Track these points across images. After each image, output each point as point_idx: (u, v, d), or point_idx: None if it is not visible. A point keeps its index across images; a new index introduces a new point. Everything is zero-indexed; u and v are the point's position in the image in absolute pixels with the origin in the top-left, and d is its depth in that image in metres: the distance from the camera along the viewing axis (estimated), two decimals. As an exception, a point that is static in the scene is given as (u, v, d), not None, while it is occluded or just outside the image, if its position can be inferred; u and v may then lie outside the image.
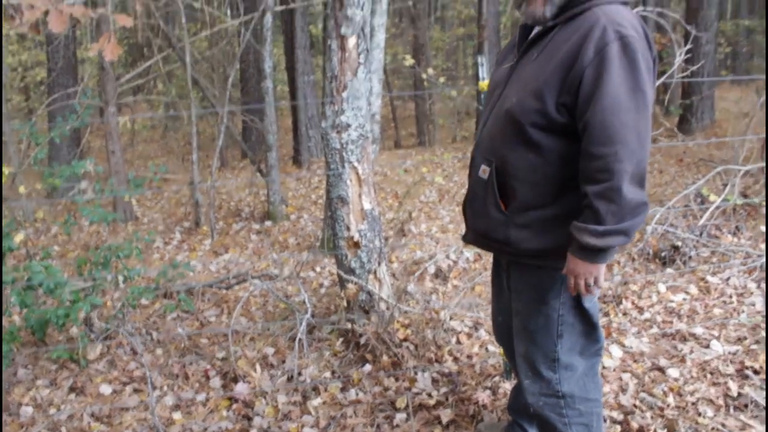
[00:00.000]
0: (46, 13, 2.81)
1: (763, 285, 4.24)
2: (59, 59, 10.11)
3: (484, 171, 2.11)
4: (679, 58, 4.22)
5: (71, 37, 10.37)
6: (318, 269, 5.38)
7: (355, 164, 3.44)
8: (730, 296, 4.14)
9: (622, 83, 1.81)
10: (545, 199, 1.99)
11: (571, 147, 1.92)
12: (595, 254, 1.89)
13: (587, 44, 1.85)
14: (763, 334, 3.55)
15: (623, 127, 1.80)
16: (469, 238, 2.28)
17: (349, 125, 3.39)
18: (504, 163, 2.04)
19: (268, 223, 7.40)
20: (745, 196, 6.04)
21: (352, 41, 3.32)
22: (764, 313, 3.80)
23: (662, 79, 4.19)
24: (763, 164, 5.87)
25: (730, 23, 23.26)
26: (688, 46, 4.76)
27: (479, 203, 2.14)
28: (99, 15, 2.99)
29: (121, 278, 4.13)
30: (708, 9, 10.73)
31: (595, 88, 1.82)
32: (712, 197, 5.30)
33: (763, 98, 6.94)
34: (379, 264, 3.64)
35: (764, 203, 5.63)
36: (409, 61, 8.24)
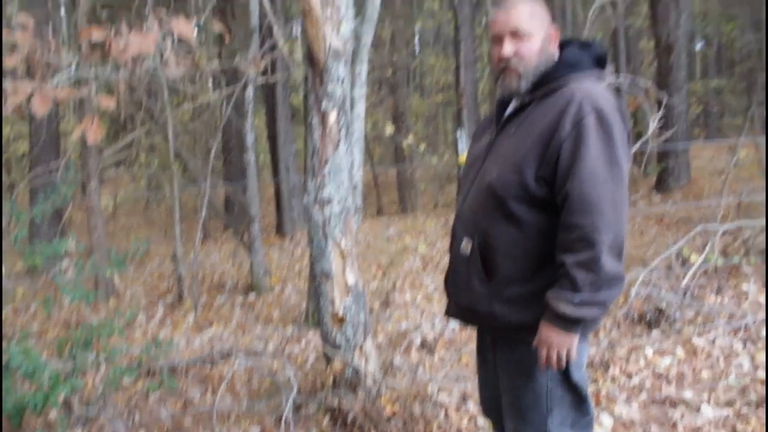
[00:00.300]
0: (30, 95, 2.84)
1: (750, 345, 4.24)
2: (42, 134, 10.13)
3: (466, 245, 2.11)
4: (653, 125, 4.33)
5: (54, 112, 10.42)
6: (303, 343, 5.31)
7: (339, 238, 3.44)
8: (717, 358, 4.14)
9: (599, 156, 1.85)
10: (526, 273, 1.99)
11: (550, 221, 1.94)
12: (570, 324, 1.88)
13: (564, 118, 1.89)
14: (753, 396, 3.53)
15: (600, 199, 1.82)
16: (453, 312, 2.26)
17: (331, 199, 3.41)
18: (486, 237, 2.05)
19: (252, 295, 7.33)
20: (725, 254, 6.10)
21: (332, 116, 3.38)
22: (753, 375, 3.80)
23: (638, 144, 4.28)
24: (741, 223, 5.96)
25: (700, 83, 23.95)
26: (662, 112, 4.89)
27: (462, 277, 2.13)
28: (82, 97, 3.03)
29: (102, 358, 4.05)
30: (678, 71, 11.07)
31: (573, 161, 1.86)
32: (693, 257, 5.34)
33: (737, 157, 7.10)
34: (365, 338, 3.60)
35: (744, 262, 5.67)
36: (390, 129, 8.37)
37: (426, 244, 9.06)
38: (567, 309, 1.85)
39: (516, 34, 2.04)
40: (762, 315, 4.53)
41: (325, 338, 3.62)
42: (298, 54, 10.08)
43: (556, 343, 1.91)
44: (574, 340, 1.91)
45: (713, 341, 4.36)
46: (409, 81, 18.53)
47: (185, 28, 2.48)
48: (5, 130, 15.27)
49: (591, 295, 1.83)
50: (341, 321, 3.54)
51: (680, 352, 4.25)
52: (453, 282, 2.21)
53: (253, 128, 7.19)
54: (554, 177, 1.91)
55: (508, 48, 2.05)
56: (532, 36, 2.03)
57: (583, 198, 1.83)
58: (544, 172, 1.92)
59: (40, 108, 2.52)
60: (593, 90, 1.94)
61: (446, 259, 2.26)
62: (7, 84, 2.81)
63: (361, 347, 3.60)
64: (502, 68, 2.09)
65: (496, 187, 2.00)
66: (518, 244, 1.99)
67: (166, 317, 6.97)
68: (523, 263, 1.99)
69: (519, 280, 2.00)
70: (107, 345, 4.08)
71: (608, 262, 1.82)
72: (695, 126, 24.09)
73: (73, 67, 2.83)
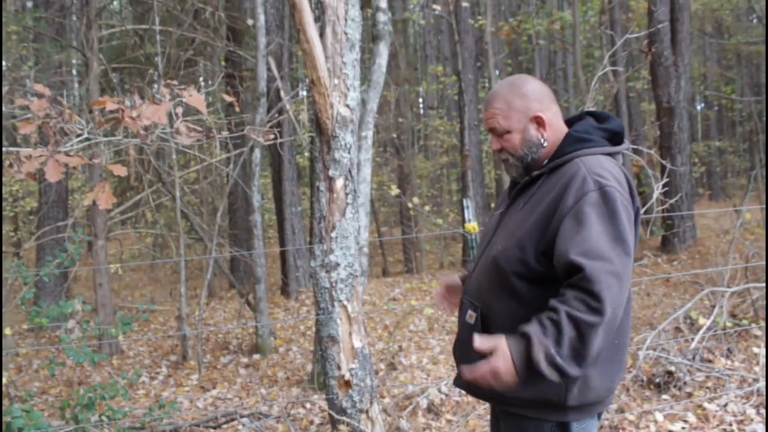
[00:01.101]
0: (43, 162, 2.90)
1: (763, 411, 4.17)
2: (51, 192, 10.25)
3: (470, 316, 2.10)
4: (657, 191, 4.37)
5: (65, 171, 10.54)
6: (308, 406, 5.25)
7: (345, 303, 3.44)
8: (730, 424, 4.07)
9: (603, 230, 1.82)
10: None
11: (550, 297, 1.87)
12: (529, 372, 1.79)
13: (567, 194, 1.89)
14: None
15: (608, 272, 1.77)
16: (459, 383, 2.23)
17: (338, 264, 3.42)
18: (489, 309, 2.04)
19: (256, 356, 7.28)
20: (733, 316, 6.06)
21: (339, 183, 3.42)
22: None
23: (643, 209, 4.31)
24: (749, 285, 5.93)
25: (702, 144, 24.20)
26: (665, 179, 4.94)
27: (467, 349, 2.09)
28: (93, 163, 3.08)
29: (105, 419, 4.01)
30: (680, 133, 11.21)
31: (576, 233, 1.82)
32: (701, 320, 5.30)
33: (741, 219, 7.12)
34: (371, 403, 3.57)
35: (754, 325, 5.63)
36: (395, 190, 8.45)
37: (431, 306, 9.02)
38: (540, 359, 1.75)
39: (495, 132, 2.10)
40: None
41: (331, 402, 3.58)
42: (304, 116, 10.26)
43: (501, 375, 1.80)
44: (514, 378, 1.80)
45: (725, 406, 4.29)
46: (414, 142, 18.77)
47: (197, 99, 2.54)
48: (14, 188, 15.43)
49: (567, 363, 1.75)
50: (347, 385, 3.51)
51: (691, 417, 4.18)
52: (459, 352, 2.20)
53: (259, 189, 7.27)
54: (554, 252, 1.87)
55: (494, 144, 2.13)
56: (511, 131, 2.07)
57: (591, 268, 1.76)
58: (544, 248, 1.91)
59: (52, 175, 2.57)
60: (599, 165, 1.93)
61: (452, 320, 2.26)
62: (18, 150, 2.87)
63: (367, 412, 3.56)
64: (501, 159, 2.16)
65: (500, 260, 2.00)
66: (516, 318, 1.94)
67: (170, 377, 6.91)
68: None
69: None
70: (110, 406, 4.05)
71: (598, 338, 1.75)
72: (699, 186, 24.25)
73: (86, 133, 2.90)
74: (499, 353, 1.82)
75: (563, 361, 1.75)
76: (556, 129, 2.09)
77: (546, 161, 2.07)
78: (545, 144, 2.07)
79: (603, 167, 1.93)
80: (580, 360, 1.76)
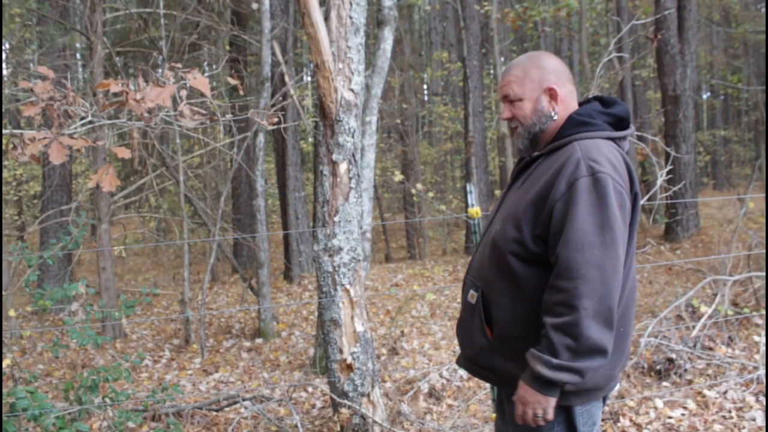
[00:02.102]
0: (47, 144, 2.90)
1: (763, 399, 4.19)
2: (55, 176, 10.27)
3: (472, 296, 2.12)
4: (660, 179, 4.36)
5: (69, 153, 10.56)
6: (310, 389, 5.28)
7: (348, 287, 3.46)
8: (729, 411, 4.08)
9: (588, 218, 1.83)
10: (526, 329, 1.96)
11: (547, 279, 1.91)
12: (546, 386, 1.85)
13: (560, 178, 1.90)
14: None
15: (586, 264, 1.80)
16: (461, 363, 2.26)
17: (341, 248, 3.44)
18: (489, 290, 2.05)
19: (259, 340, 7.31)
20: (735, 304, 6.07)
21: (343, 167, 3.43)
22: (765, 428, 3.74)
23: (646, 198, 4.31)
24: (751, 274, 5.94)
25: (707, 133, 24.11)
26: (669, 167, 4.93)
27: (467, 328, 2.14)
28: (97, 145, 3.09)
29: (108, 401, 4.05)
30: (685, 121, 11.16)
31: (563, 223, 1.85)
32: (702, 308, 5.31)
33: (745, 209, 7.11)
34: (373, 387, 3.59)
35: (755, 313, 5.64)
36: (399, 176, 8.44)
37: (433, 292, 9.05)
38: (543, 370, 1.82)
39: (508, 98, 2.12)
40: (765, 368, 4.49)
41: (333, 386, 3.60)
42: (308, 101, 10.25)
43: (531, 403, 1.89)
44: (550, 401, 1.87)
45: (725, 394, 4.31)
46: (418, 128, 18.74)
47: (201, 82, 2.54)
48: (18, 172, 15.44)
49: (569, 361, 1.80)
50: (349, 368, 3.53)
51: (691, 404, 4.20)
52: (460, 332, 2.22)
53: (263, 174, 7.27)
54: (548, 236, 1.91)
55: (505, 112, 2.15)
56: (523, 99, 2.08)
57: (568, 262, 1.82)
58: (540, 231, 1.92)
59: (56, 157, 2.58)
60: (596, 149, 1.93)
61: (455, 305, 2.27)
62: (22, 132, 2.88)
63: (368, 395, 3.58)
64: (511, 128, 2.18)
65: (498, 241, 2.02)
66: (515, 299, 1.98)
67: (173, 360, 6.95)
68: (519, 319, 1.98)
69: (516, 336, 1.99)
70: (113, 388, 4.08)
71: (589, 329, 1.79)
72: (704, 175, 24.19)
73: (89, 116, 2.90)
74: (520, 391, 1.92)
75: (565, 362, 1.81)
76: (568, 106, 2.10)
77: (548, 142, 2.08)
78: (555, 117, 2.08)
79: (600, 152, 1.92)
80: (581, 354, 1.81)
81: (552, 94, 2.07)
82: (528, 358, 1.87)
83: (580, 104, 2.16)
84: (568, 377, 1.81)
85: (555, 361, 1.81)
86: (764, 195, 10.05)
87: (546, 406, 1.87)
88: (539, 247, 1.94)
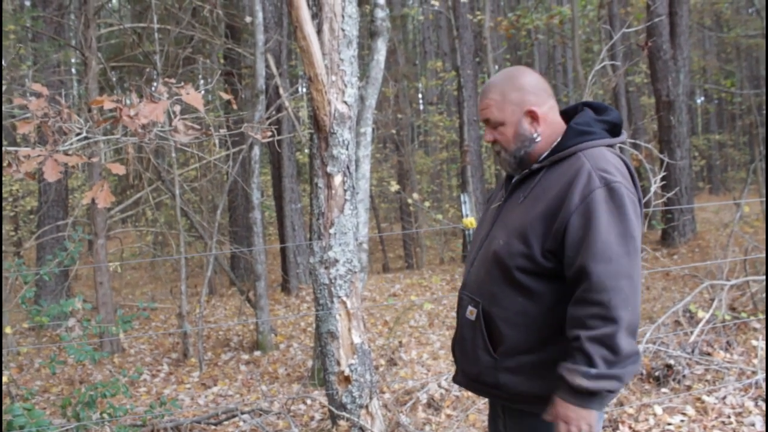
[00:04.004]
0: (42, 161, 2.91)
1: (761, 403, 4.19)
2: (51, 192, 10.26)
3: (471, 312, 2.08)
4: (655, 184, 4.37)
5: (63, 169, 10.55)
6: (309, 402, 5.27)
7: (344, 299, 3.46)
8: (729, 416, 4.08)
9: (611, 230, 1.81)
10: (535, 343, 1.94)
11: (558, 292, 1.90)
12: (588, 398, 1.80)
13: (573, 191, 1.86)
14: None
15: (617, 275, 1.78)
16: (460, 381, 2.21)
17: (337, 261, 3.44)
18: (492, 305, 2.02)
19: (257, 353, 7.30)
20: (733, 309, 6.07)
21: (338, 179, 3.43)
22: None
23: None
24: (748, 278, 5.95)
25: (702, 138, 24.19)
26: (663, 172, 4.94)
27: (468, 346, 2.10)
28: (92, 162, 3.10)
29: (106, 417, 4.03)
30: (679, 126, 11.21)
31: (584, 236, 1.82)
32: (700, 314, 5.32)
33: (740, 212, 7.13)
34: (371, 398, 3.58)
35: (752, 318, 5.65)
36: (395, 186, 8.45)
37: (431, 302, 9.04)
38: (584, 382, 1.78)
39: (489, 123, 2.09)
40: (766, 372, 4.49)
41: (331, 398, 3.60)
42: (304, 113, 10.28)
43: (575, 419, 1.83)
44: (593, 415, 1.83)
45: (724, 399, 4.30)
46: (413, 138, 18.77)
47: (194, 97, 2.55)
48: (14, 187, 15.42)
49: (608, 369, 1.77)
50: (347, 380, 3.52)
51: (690, 410, 4.19)
52: (459, 349, 2.18)
53: (259, 187, 7.28)
54: (562, 250, 1.87)
55: (487, 135, 2.12)
56: (504, 124, 2.06)
57: (597, 275, 1.79)
58: (551, 245, 1.89)
59: (51, 175, 2.58)
60: (603, 158, 1.91)
61: (452, 315, 2.25)
62: (17, 150, 2.88)
63: (367, 407, 3.57)
64: (495, 151, 2.14)
65: (503, 255, 1.98)
66: (525, 313, 1.95)
67: (171, 374, 6.93)
68: (529, 333, 1.95)
69: (525, 350, 1.96)
70: (111, 404, 4.07)
71: (624, 341, 1.77)
72: (699, 179, 24.27)
73: (84, 132, 2.91)
74: (559, 409, 1.86)
75: (604, 371, 1.78)
76: (552, 123, 2.06)
77: (545, 154, 2.04)
78: (538, 139, 2.04)
79: (607, 161, 1.91)
80: (617, 363, 1.78)
81: (533, 116, 2.04)
82: (563, 374, 1.82)
83: (570, 111, 2.14)
84: (610, 384, 1.78)
85: (594, 371, 1.77)
86: (759, 199, 10.08)
87: (590, 420, 1.83)
88: (549, 261, 1.91)
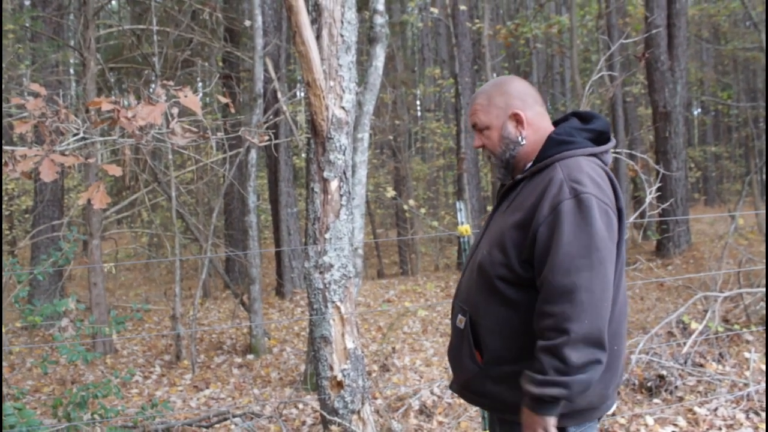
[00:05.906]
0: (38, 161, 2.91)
1: (753, 416, 4.20)
2: (46, 191, 10.24)
3: (460, 321, 2.09)
4: (650, 196, 4.39)
5: (60, 170, 10.53)
6: (301, 406, 5.26)
7: (338, 304, 3.46)
8: (720, 428, 4.09)
9: (573, 241, 1.81)
10: (518, 353, 1.95)
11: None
12: (537, 404, 1.83)
13: (543, 202, 1.88)
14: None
15: (574, 287, 1.79)
16: (454, 388, 2.22)
17: (331, 266, 3.44)
18: (477, 314, 2.03)
19: (250, 356, 7.28)
20: (726, 321, 6.09)
21: (334, 184, 3.44)
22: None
23: (633, 217, 4.34)
24: (741, 290, 5.97)
25: (698, 149, 24.28)
26: (658, 183, 4.97)
27: (457, 353, 2.12)
28: (89, 163, 3.10)
29: (97, 418, 4.02)
30: (676, 137, 11.25)
31: (548, 247, 1.83)
32: (693, 325, 5.33)
33: (735, 224, 7.16)
34: (363, 404, 3.58)
35: (745, 330, 5.66)
36: (391, 192, 8.46)
37: (425, 308, 9.04)
38: (531, 387, 1.82)
39: (476, 127, 2.12)
40: (764, 384, 4.50)
41: (323, 403, 3.59)
42: (301, 117, 10.29)
43: (531, 424, 1.86)
44: (547, 421, 1.85)
45: (715, 411, 4.32)
46: (410, 145, 18.79)
47: (192, 100, 2.55)
48: (10, 186, 15.38)
49: (555, 377, 1.79)
50: (339, 385, 3.52)
51: (682, 421, 4.20)
52: (451, 357, 2.20)
53: (255, 190, 7.28)
54: (533, 260, 1.90)
55: (476, 140, 2.16)
56: (490, 127, 2.09)
57: (554, 287, 1.80)
58: (527, 255, 1.91)
59: (47, 175, 2.58)
60: (578, 169, 1.91)
61: (446, 323, 2.26)
62: (13, 149, 2.88)
63: (359, 412, 3.57)
64: (486, 156, 2.17)
65: (485, 265, 2.00)
66: (506, 322, 1.96)
67: (163, 376, 6.91)
68: (511, 342, 1.96)
69: (508, 359, 1.97)
70: (103, 404, 4.06)
71: (574, 352, 1.78)
72: (695, 191, 24.34)
73: (81, 132, 2.91)
74: (523, 416, 1.90)
75: (550, 377, 1.80)
76: (538, 129, 2.07)
77: (530, 164, 2.06)
78: (523, 142, 2.06)
79: (582, 171, 1.90)
80: (566, 373, 1.79)
81: (518, 119, 2.06)
82: (521, 381, 1.87)
83: (558, 122, 2.15)
84: (555, 390, 1.79)
85: (539, 377, 1.80)
86: (754, 211, 10.12)
87: (545, 426, 1.85)
88: (527, 271, 1.92)
